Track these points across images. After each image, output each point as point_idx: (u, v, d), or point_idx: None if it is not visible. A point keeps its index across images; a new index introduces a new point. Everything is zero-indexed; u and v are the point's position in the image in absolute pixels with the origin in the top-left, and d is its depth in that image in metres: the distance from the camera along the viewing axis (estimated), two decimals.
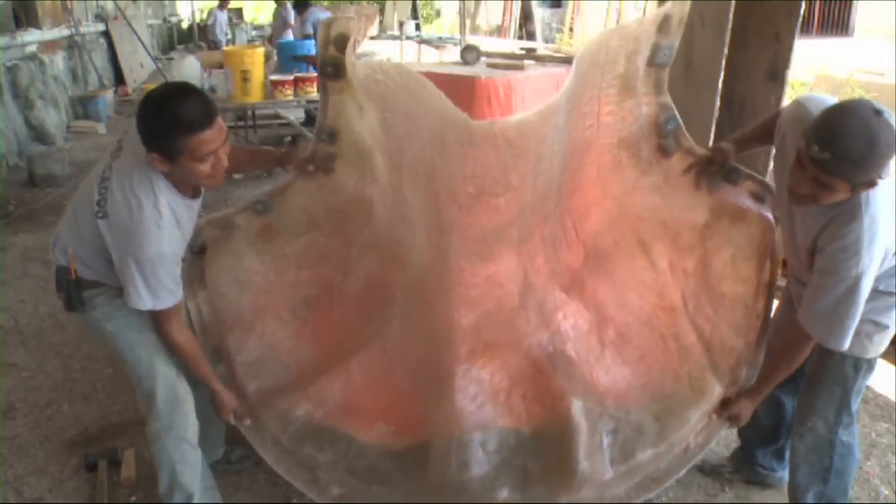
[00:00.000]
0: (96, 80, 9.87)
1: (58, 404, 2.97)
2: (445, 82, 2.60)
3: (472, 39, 9.76)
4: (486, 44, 8.54)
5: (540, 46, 10.26)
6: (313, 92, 5.64)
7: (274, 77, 5.61)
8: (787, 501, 2.25)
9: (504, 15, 15.81)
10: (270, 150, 2.28)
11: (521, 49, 4.07)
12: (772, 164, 3.70)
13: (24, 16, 8.06)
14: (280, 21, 9.19)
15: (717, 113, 3.56)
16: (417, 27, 12.69)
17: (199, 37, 16.70)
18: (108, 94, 9.50)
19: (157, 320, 1.89)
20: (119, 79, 10.92)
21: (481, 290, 2.08)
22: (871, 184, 1.65)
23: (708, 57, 3.59)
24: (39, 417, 2.88)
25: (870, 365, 1.98)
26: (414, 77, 1.85)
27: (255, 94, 5.40)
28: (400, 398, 2.17)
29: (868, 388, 2.64)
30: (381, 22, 14.04)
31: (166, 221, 1.76)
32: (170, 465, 2.06)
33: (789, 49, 3.39)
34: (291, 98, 5.58)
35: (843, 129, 1.59)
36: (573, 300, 2.23)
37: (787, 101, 4.26)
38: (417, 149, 1.99)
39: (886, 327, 1.92)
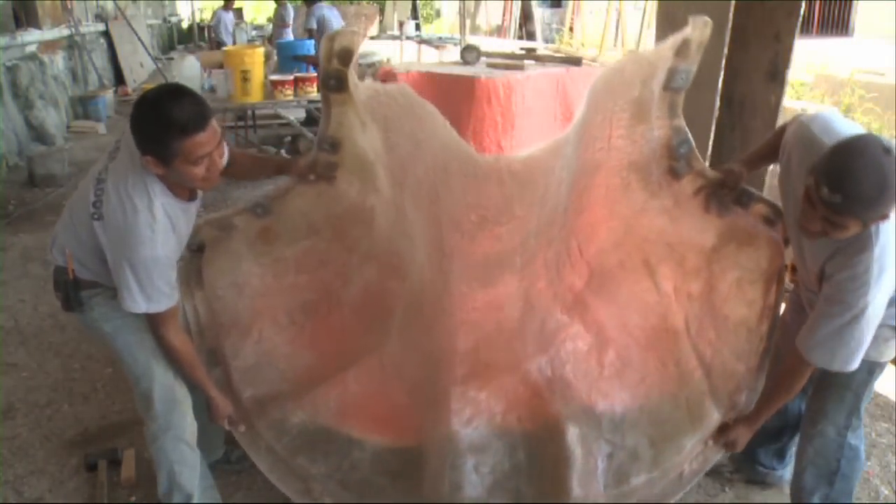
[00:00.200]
0: (96, 80, 9.87)
1: (58, 404, 2.97)
2: (445, 82, 2.60)
3: (472, 39, 9.75)
4: (486, 44, 8.54)
5: (540, 46, 10.27)
6: (313, 92, 5.64)
7: (274, 77, 5.61)
8: (787, 502, 2.25)
9: (504, 15, 15.81)
10: (274, 158, 2.27)
11: (521, 49, 4.08)
12: (772, 173, 3.70)
13: (24, 16, 8.06)
14: (280, 21, 9.19)
15: (717, 113, 3.56)
16: (417, 27, 12.68)
17: (199, 37, 16.72)
18: (108, 94, 9.50)
19: (152, 323, 1.88)
20: (119, 79, 10.92)
21: (481, 313, 2.08)
22: (884, 217, 1.64)
23: (708, 57, 3.58)
24: (39, 417, 2.88)
25: (882, 369, 1.98)
26: (419, 103, 1.83)
27: (255, 94, 5.40)
28: (395, 412, 2.16)
29: None
30: (381, 22, 14.05)
31: (160, 225, 1.75)
32: (168, 466, 2.06)
33: (789, 49, 3.39)
34: (291, 98, 5.59)
35: (854, 171, 1.57)
36: (574, 322, 2.21)
37: (786, 102, 4.26)
38: (420, 171, 1.98)
39: None
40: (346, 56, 1.92)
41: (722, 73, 3.48)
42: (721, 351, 2.16)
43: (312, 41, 7.23)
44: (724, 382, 2.15)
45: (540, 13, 16.61)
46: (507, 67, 2.68)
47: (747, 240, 2.13)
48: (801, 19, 3.36)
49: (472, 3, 17.44)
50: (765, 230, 2.11)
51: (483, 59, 2.88)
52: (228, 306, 2.21)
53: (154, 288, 1.78)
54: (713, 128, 3.58)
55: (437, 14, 21.13)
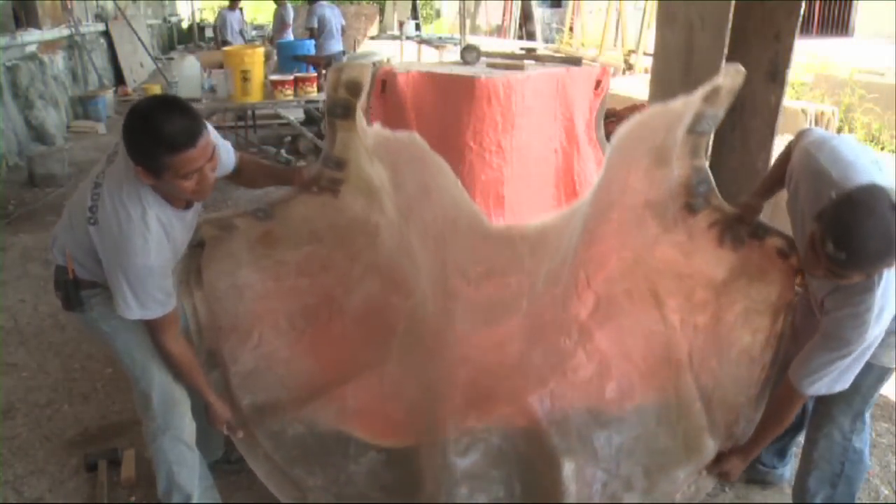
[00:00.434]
0: (96, 80, 9.87)
1: (58, 404, 2.97)
2: (445, 82, 2.59)
3: (472, 39, 9.76)
4: (486, 44, 8.54)
5: (540, 46, 10.26)
6: (313, 92, 5.64)
7: (274, 77, 5.61)
8: (787, 502, 2.25)
9: (504, 15, 15.81)
10: (280, 168, 2.25)
11: (521, 49, 4.07)
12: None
13: (24, 16, 8.06)
14: (280, 21, 9.18)
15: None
16: (417, 27, 12.68)
17: (199, 36, 16.71)
18: (108, 94, 9.50)
19: (151, 329, 1.88)
20: (119, 79, 10.91)
21: (482, 349, 2.06)
22: (888, 268, 1.66)
23: (708, 57, 3.59)
24: (39, 417, 2.88)
25: (891, 374, 1.98)
26: (430, 154, 1.81)
27: (255, 94, 5.40)
28: (393, 429, 2.16)
29: None
30: (381, 22, 14.05)
31: (153, 234, 1.74)
32: (167, 466, 2.06)
33: (789, 49, 3.39)
34: (291, 98, 5.58)
35: (860, 230, 1.57)
36: (577, 352, 2.19)
37: (786, 102, 4.25)
38: (428, 216, 1.96)
39: None
40: (355, 88, 1.90)
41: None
42: (722, 382, 2.16)
43: (313, 41, 7.24)
44: (723, 414, 2.16)
45: (540, 13, 16.63)
46: (507, 67, 2.67)
47: (759, 274, 2.11)
48: (801, 19, 3.36)
49: (472, 3, 17.44)
50: (778, 263, 2.09)
51: (483, 59, 2.87)
52: (228, 309, 2.20)
53: (148, 296, 1.77)
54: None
55: (437, 14, 21.14)
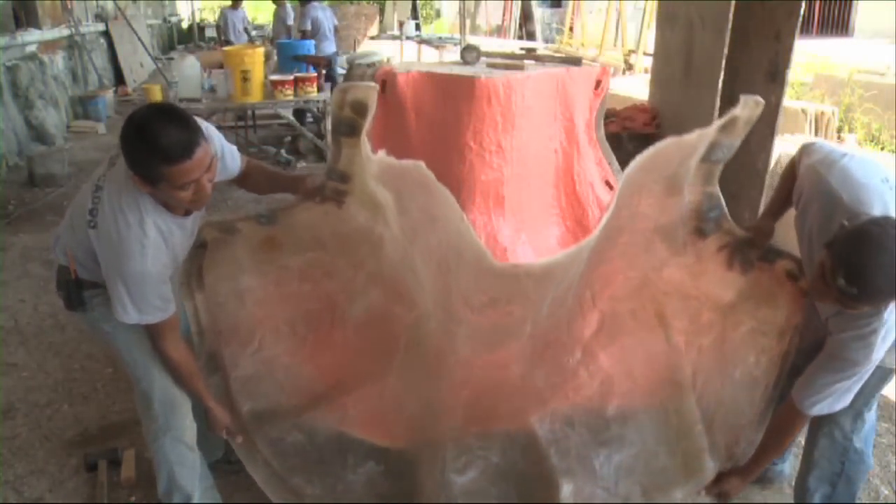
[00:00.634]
0: (96, 80, 9.87)
1: (58, 404, 2.97)
2: (445, 82, 2.59)
3: (472, 39, 9.76)
4: (486, 44, 8.53)
5: (540, 46, 10.25)
6: (313, 92, 5.65)
7: (274, 77, 5.61)
8: (787, 502, 2.25)
9: (504, 15, 15.82)
10: (286, 175, 2.22)
11: (521, 49, 4.07)
12: (771, 173, 3.70)
13: (24, 16, 8.06)
14: (279, 21, 9.18)
15: (717, 113, 3.56)
16: (417, 27, 12.69)
17: (198, 36, 16.71)
18: (108, 94, 9.50)
19: (151, 334, 1.88)
20: (119, 79, 10.92)
21: (484, 371, 2.06)
22: None
23: (708, 57, 3.60)
24: (39, 417, 2.88)
25: (893, 374, 1.98)
26: (436, 183, 1.80)
27: (255, 94, 5.40)
28: (393, 441, 2.16)
29: None
30: (381, 22, 14.05)
31: (151, 241, 1.74)
32: (168, 467, 2.06)
33: (789, 49, 3.40)
34: (291, 98, 5.59)
35: (872, 267, 1.56)
36: (579, 372, 2.18)
37: (786, 102, 4.25)
38: (433, 242, 1.95)
39: None
40: (361, 108, 1.88)
41: (722, 73, 3.48)
42: (724, 403, 2.16)
43: (313, 41, 7.24)
44: (724, 436, 2.15)
45: (540, 13, 16.64)
46: (507, 67, 2.67)
47: (767, 297, 2.10)
48: (801, 19, 3.37)
49: (472, 3, 17.44)
50: (787, 287, 2.07)
51: (483, 59, 2.87)
52: (229, 313, 2.18)
53: (145, 302, 1.77)
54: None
55: (437, 14, 21.15)
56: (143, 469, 2.46)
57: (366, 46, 10.62)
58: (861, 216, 1.67)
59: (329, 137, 2.10)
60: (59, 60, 8.61)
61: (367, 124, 1.89)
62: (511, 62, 2.79)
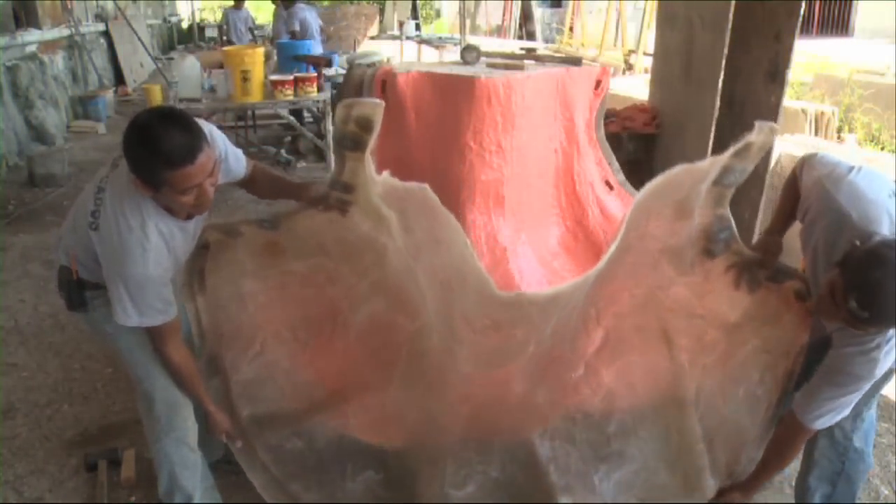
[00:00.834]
0: (96, 80, 9.87)
1: (58, 404, 2.97)
2: (445, 82, 2.59)
3: (472, 39, 9.75)
4: (486, 44, 8.53)
5: (540, 46, 10.25)
6: (313, 92, 5.64)
7: (274, 77, 5.60)
8: (787, 502, 2.25)
9: (504, 15, 15.81)
10: (290, 182, 2.22)
11: (521, 49, 4.07)
12: (772, 173, 3.70)
13: (24, 16, 8.06)
14: (280, 21, 9.17)
15: (717, 113, 3.56)
16: (417, 27, 12.68)
17: (198, 36, 16.70)
18: (108, 94, 9.50)
19: (151, 337, 1.88)
20: (119, 79, 10.92)
21: (486, 388, 2.06)
22: None
23: (708, 57, 3.59)
24: (39, 417, 2.88)
25: (892, 374, 1.97)
26: (440, 207, 1.79)
27: (255, 94, 5.40)
28: (392, 450, 2.16)
29: None
30: (381, 22, 14.04)
31: (153, 245, 1.73)
32: (169, 467, 2.06)
33: (789, 49, 3.40)
34: (291, 98, 5.58)
35: (885, 294, 1.55)
36: (582, 389, 2.18)
37: (786, 102, 4.24)
38: (437, 263, 1.95)
39: None
40: (366, 124, 1.88)
41: (722, 73, 3.48)
42: (727, 421, 2.15)
43: (311, 42, 7.24)
44: (725, 454, 2.15)
45: (540, 13, 16.64)
46: (507, 67, 2.67)
47: (773, 317, 2.09)
48: (801, 19, 3.37)
49: (472, 3, 17.44)
50: (795, 307, 2.06)
51: (483, 59, 2.87)
52: (230, 317, 2.18)
53: (146, 304, 1.77)
54: (713, 128, 3.58)
55: (437, 14, 21.15)
56: (143, 469, 2.46)
57: (366, 46, 10.60)
58: (871, 235, 1.65)
59: (329, 138, 2.10)
60: (59, 60, 8.61)
61: (373, 141, 1.89)
62: (511, 62, 2.79)
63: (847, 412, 1.86)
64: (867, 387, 1.80)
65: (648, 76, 5.16)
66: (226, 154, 1.94)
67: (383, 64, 4.11)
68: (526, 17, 15.51)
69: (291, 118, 6.58)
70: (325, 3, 14.84)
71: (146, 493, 2.40)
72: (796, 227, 2.01)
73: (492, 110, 2.48)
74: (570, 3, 14.52)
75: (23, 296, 3.98)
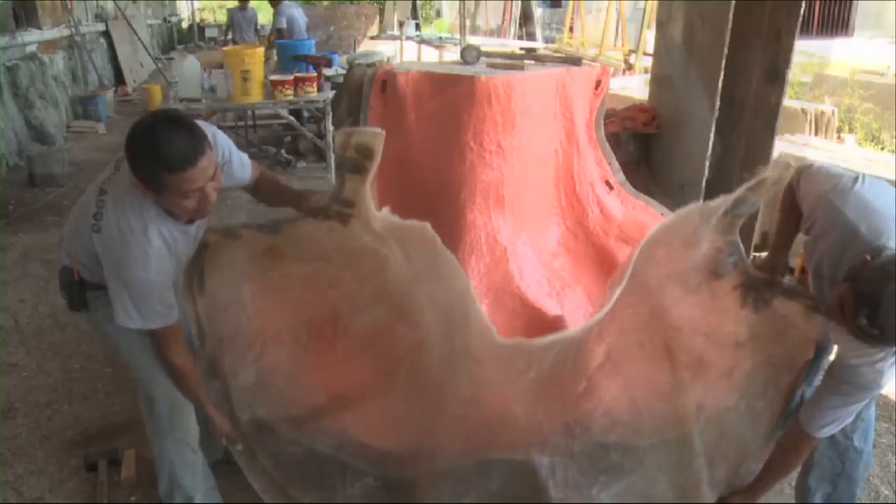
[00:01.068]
0: (96, 80, 9.87)
1: (58, 404, 2.97)
2: (445, 82, 2.59)
3: (472, 40, 9.75)
4: (486, 44, 8.53)
5: (540, 46, 10.24)
6: (313, 92, 5.64)
7: (274, 77, 5.60)
8: (788, 502, 2.25)
9: (504, 15, 15.81)
10: (294, 190, 2.21)
11: (521, 49, 4.07)
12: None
13: (24, 16, 8.06)
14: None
15: (717, 113, 3.56)
16: (417, 27, 12.68)
17: (199, 36, 16.71)
18: (108, 94, 9.50)
19: (154, 340, 1.88)
20: (119, 79, 10.92)
21: (485, 408, 2.06)
22: None
23: (708, 57, 3.60)
24: (39, 417, 2.88)
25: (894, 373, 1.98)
26: (441, 245, 1.79)
27: (255, 94, 5.39)
28: (392, 456, 2.16)
29: None
30: (381, 22, 14.04)
31: (154, 248, 1.74)
32: (170, 468, 2.06)
33: (789, 49, 3.40)
34: (291, 98, 5.58)
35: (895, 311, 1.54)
36: (582, 404, 2.17)
37: (786, 102, 4.24)
38: (438, 293, 1.94)
39: None
40: (366, 153, 1.89)
41: (722, 73, 3.48)
42: (727, 435, 2.15)
43: (312, 41, 7.24)
44: (725, 469, 2.16)
45: (540, 13, 16.64)
46: (507, 67, 2.67)
47: (778, 336, 2.09)
48: (801, 19, 3.37)
49: (472, 3, 17.44)
50: (801, 325, 2.06)
51: (483, 59, 2.87)
52: (230, 320, 2.17)
53: (148, 307, 1.77)
54: (713, 128, 3.58)
55: (438, 14, 21.14)
56: (143, 469, 2.46)
57: (366, 46, 10.59)
58: (881, 249, 1.64)
59: (329, 137, 2.10)
60: (59, 60, 8.61)
61: (374, 169, 1.89)
62: (511, 62, 2.79)
63: (851, 419, 1.86)
64: (872, 395, 1.80)
65: (648, 76, 5.16)
66: (230, 158, 1.94)
67: (383, 64, 4.11)
68: (526, 17, 15.51)
69: (291, 118, 6.59)
70: (326, 3, 14.82)
71: (146, 493, 2.40)
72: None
73: (492, 110, 2.47)
74: (570, 3, 14.52)
75: (23, 296, 3.98)
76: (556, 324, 2.39)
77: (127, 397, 2.89)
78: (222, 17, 16.37)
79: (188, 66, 5.66)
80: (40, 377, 3.17)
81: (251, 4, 9.93)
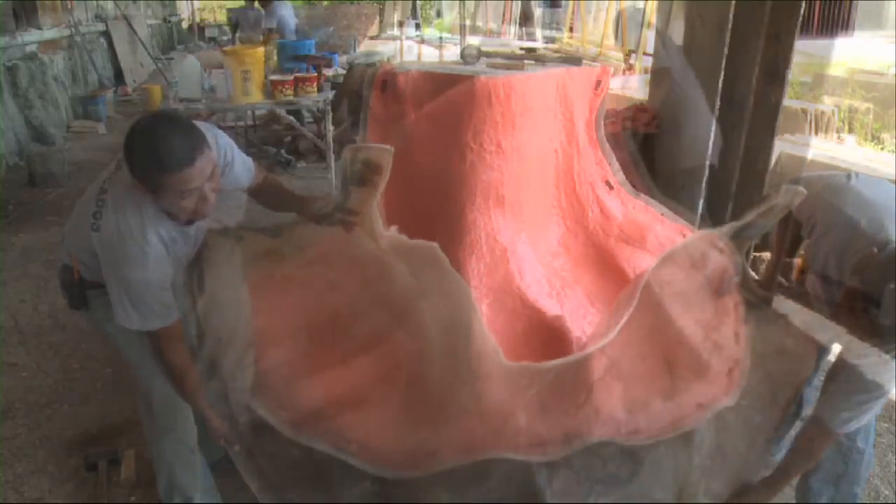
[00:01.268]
0: (96, 80, 9.87)
1: (58, 404, 2.97)
2: (445, 82, 2.58)
3: (472, 39, 9.75)
4: (486, 44, 8.53)
5: (540, 46, 10.24)
6: (313, 92, 5.64)
7: (274, 77, 5.60)
8: (787, 502, 2.25)
9: (504, 15, 15.81)
10: (297, 199, 2.21)
11: (521, 49, 4.07)
12: (771, 172, 3.70)
13: (24, 16, 8.06)
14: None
15: (717, 113, 3.56)
16: (417, 27, 12.68)
17: (199, 36, 16.70)
18: (108, 94, 9.50)
19: (152, 341, 1.88)
20: (119, 79, 10.91)
21: (486, 421, 2.05)
22: None
23: (708, 57, 3.59)
24: (39, 417, 2.88)
25: None
26: (449, 265, 1.79)
27: (255, 94, 5.39)
28: (391, 460, 2.15)
29: None
30: (381, 22, 14.04)
31: (153, 249, 1.74)
32: (169, 468, 2.06)
33: (789, 49, 3.40)
34: (291, 98, 5.58)
35: None
36: (580, 416, 2.15)
37: (786, 102, 4.24)
38: (443, 306, 1.94)
39: None
40: (374, 168, 1.89)
41: (722, 73, 3.48)
42: (724, 450, 2.15)
43: (313, 41, 7.23)
44: (721, 482, 2.15)
45: (540, 13, 16.63)
46: (507, 67, 2.67)
47: (779, 352, 2.10)
48: (801, 19, 3.37)
49: (472, 3, 17.44)
50: (802, 341, 2.07)
51: (483, 59, 2.87)
52: (230, 323, 2.16)
53: (147, 308, 1.77)
54: (713, 128, 3.58)
55: (438, 14, 21.13)
56: (143, 469, 2.46)
57: (366, 46, 10.60)
58: (886, 242, 1.64)
59: (329, 137, 2.11)
60: (59, 60, 8.61)
61: (383, 185, 1.90)
62: (511, 62, 2.79)
63: (872, 415, 1.85)
64: (888, 393, 1.79)
65: (648, 76, 5.16)
66: (232, 160, 1.94)
67: (383, 64, 4.11)
68: (526, 17, 15.51)
69: (291, 118, 6.58)
70: (326, 3, 14.82)
71: (146, 493, 2.40)
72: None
73: (492, 110, 2.47)
74: (570, 3, 14.52)
75: (23, 296, 3.98)
76: (556, 324, 2.39)
77: (127, 397, 2.89)
78: (222, 17, 16.38)
79: (188, 66, 5.66)
80: (40, 377, 3.17)
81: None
